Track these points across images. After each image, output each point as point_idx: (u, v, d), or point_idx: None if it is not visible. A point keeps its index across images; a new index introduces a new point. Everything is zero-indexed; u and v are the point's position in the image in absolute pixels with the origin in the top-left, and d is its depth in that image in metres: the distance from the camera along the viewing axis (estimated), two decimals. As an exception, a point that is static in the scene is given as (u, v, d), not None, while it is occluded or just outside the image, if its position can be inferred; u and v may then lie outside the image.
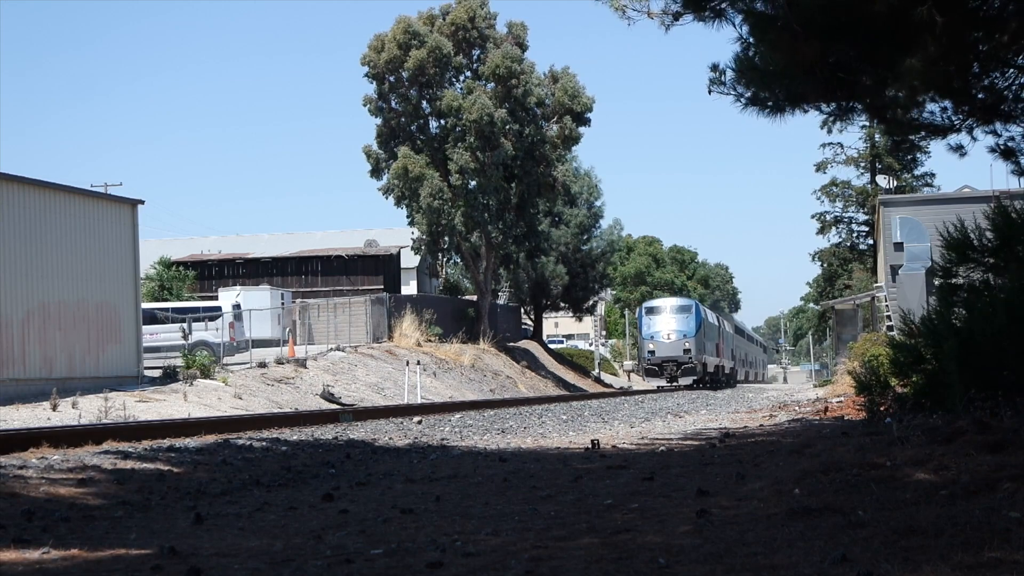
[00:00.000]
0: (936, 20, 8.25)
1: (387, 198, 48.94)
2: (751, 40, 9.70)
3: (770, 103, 9.87)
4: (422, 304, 45.66)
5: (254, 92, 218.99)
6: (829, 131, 55.60)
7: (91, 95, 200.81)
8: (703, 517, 5.55)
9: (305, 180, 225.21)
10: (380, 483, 8.37)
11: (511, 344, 54.58)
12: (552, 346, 69.13)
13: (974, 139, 10.84)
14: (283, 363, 32.06)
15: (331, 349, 37.26)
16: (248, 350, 34.16)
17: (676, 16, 9.91)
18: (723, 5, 9.40)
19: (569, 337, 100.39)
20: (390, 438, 13.06)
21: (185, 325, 34.06)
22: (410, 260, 57.52)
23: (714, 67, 10.21)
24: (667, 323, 49.05)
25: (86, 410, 20.27)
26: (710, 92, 10.32)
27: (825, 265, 65.18)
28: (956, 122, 10.50)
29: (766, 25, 9.22)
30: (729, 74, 10.04)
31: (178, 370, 27.43)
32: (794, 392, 42.65)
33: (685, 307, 50.62)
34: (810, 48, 8.85)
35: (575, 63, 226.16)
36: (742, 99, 9.93)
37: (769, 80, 9.68)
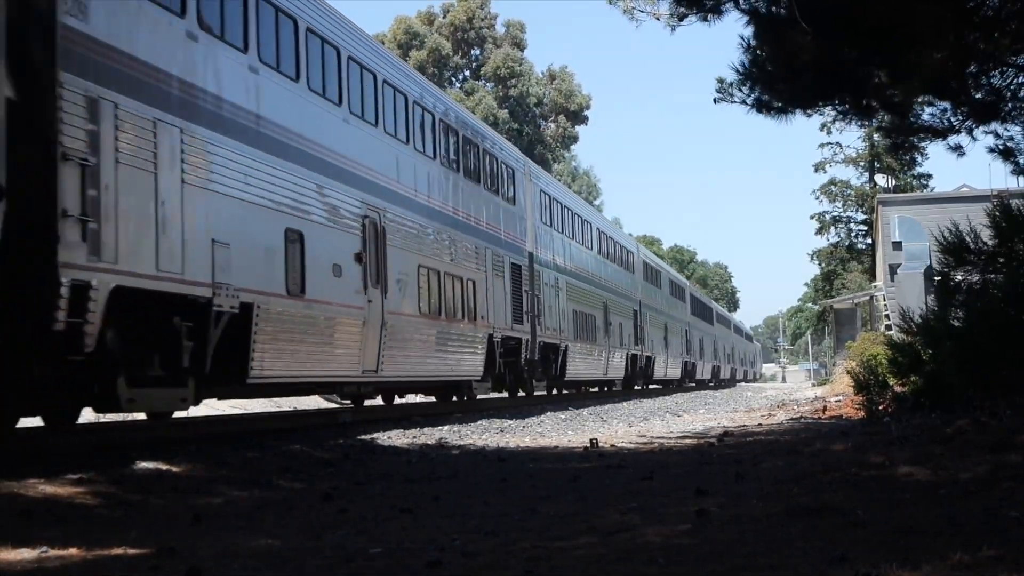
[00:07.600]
0: (935, 20, 8.28)
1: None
2: (754, 42, 9.75)
3: (776, 105, 9.94)
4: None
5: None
6: (828, 131, 55.66)
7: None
8: (702, 516, 5.55)
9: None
10: (379, 483, 8.37)
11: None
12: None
13: (973, 139, 10.87)
14: (282, 363, 32.00)
15: (330, 349, 37.18)
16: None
17: (681, 17, 9.99)
18: (727, 6, 9.46)
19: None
20: (389, 437, 13.06)
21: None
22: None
23: (720, 80, 10.36)
24: None
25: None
26: (716, 102, 10.47)
27: (823, 265, 65.13)
28: (955, 123, 10.54)
29: (768, 25, 9.26)
30: (734, 78, 10.13)
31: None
32: (793, 391, 42.64)
33: None
34: (810, 48, 8.88)
35: (574, 62, 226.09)
36: (747, 102, 10.03)
37: (772, 81, 9.74)
